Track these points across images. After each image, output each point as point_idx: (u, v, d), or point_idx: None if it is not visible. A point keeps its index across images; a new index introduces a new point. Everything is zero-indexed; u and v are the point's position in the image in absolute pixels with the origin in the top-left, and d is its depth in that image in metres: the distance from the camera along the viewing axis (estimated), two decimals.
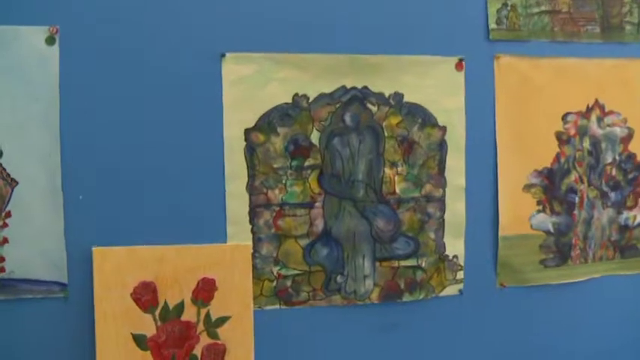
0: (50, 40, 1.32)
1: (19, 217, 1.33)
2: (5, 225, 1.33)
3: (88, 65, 1.33)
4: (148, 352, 1.36)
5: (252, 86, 1.38)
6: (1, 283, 1.34)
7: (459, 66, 1.47)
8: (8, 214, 1.32)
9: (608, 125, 1.58)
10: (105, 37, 1.33)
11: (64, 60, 1.32)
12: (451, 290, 1.50)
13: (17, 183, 1.33)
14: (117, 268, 1.35)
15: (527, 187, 1.53)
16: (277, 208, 1.41)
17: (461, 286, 1.51)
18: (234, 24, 1.38)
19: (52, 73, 1.32)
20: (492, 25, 1.50)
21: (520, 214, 1.53)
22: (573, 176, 1.56)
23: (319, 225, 1.43)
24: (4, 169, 1.32)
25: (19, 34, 1.31)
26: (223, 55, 1.37)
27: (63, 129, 1.32)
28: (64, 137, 1.33)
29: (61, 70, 1.32)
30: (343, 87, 1.42)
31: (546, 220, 1.55)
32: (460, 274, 1.50)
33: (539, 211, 1.54)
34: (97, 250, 1.34)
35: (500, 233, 1.52)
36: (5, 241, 1.33)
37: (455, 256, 1.50)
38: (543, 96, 1.53)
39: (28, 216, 1.33)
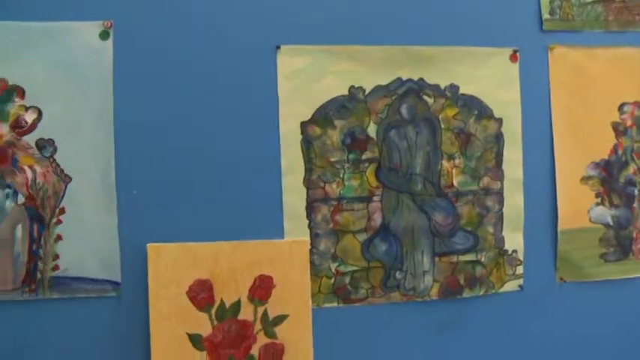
0: (104, 35, 1.31)
1: (72, 213, 1.31)
2: (59, 222, 1.30)
3: (142, 60, 1.32)
4: (205, 353, 1.32)
5: (308, 79, 1.37)
6: (55, 281, 1.31)
7: (513, 57, 1.44)
8: (62, 211, 1.30)
9: None
10: (159, 31, 1.32)
11: (118, 55, 1.30)
12: (511, 286, 1.46)
13: (71, 179, 1.30)
14: (172, 265, 1.31)
15: (585, 179, 1.49)
16: (335, 203, 1.38)
17: (520, 281, 1.46)
18: (289, 16, 1.37)
19: (105, 68, 1.31)
20: (546, 16, 1.48)
21: (578, 206, 1.49)
22: (632, 168, 1.53)
23: (377, 219, 1.40)
24: (58, 165, 1.30)
25: (73, 30, 1.30)
26: (278, 48, 1.35)
27: (117, 124, 1.30)
28: (117, 133, 1.31)
29: (115, 65, 1.30)
30: (399, 79, 1.40)
31: (605, 213, 1.51)
32: (519, 269, 1.46)
33: (597, 204, 1.50)
34: (151, 247, 1.31)
35: (559, 227, 1.48)
36: (59, 238, 1.30)
37: (514, 251, 1.45)
38: (598, 86, 1.50)
39: (81, 212, 1.31)
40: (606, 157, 1.52)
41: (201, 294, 1.32)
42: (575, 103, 1.50)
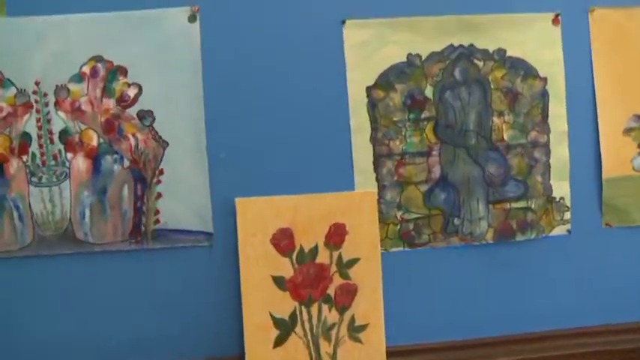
0: (192, 19, 1.49)
1: (170, 174, 1.49)
2: (159, 182, 1.49)
3: (225, 38, 1.49)
4: (287, 293, 1.48)
5: (371, 49, 1.51)
6: (157, 233, 1.49)
7: (555, 21, 1.55)
8: (161, 172, 1.48)
9: None
10: (239, 12, 1.48)
11: (205, 34, 1.47)
12: (559, 230, 1.57)
13: (168, 144, 1.48)
14: (257, 216, 1.48)
15: (628, 131, 1.59)
16: (398, 158, 1.52)
17: (568, 226, 1.57)
18: None
19: (194, 46, 1.48)
20: None
21: (622, 156, 1.58)
22: None
23: (437, 172, 1.53)
24: (157, 132, 1.48)
25: (166, 15, 1.48)
26: (344, 22, 1.50)
27: (206, 95, 1.47)
28: (207, 102, 1.47)
29: (203, 44, 1.47)
30: (451, 45, 1.53)
31: None
32: (567, 215, 1.57)
33: None
34: (239, 201, 1.48)
35: (604, 175, 1.58)
36: (159, 195, 1.49)
37: (562, 198, 1.57)
38: (638, 44, 1.58)
39: (177, 173, 1.49)
40: None
41: (283, 241, 1.49)
42: (616, 60, 1.59)
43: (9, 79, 1.46)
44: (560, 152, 1.56)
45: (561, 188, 1.56)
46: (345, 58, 1.50)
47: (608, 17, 1.58)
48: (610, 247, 1.60)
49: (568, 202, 1.57)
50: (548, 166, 1.56)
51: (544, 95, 1.56)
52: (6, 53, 1.46)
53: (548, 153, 1.56)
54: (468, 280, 1.56)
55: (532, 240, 1.57)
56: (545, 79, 1.55)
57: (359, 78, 1.51)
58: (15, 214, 1.48)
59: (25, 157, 1.46)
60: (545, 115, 1.56)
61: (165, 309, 1.49)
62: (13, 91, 1.46)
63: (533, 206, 1.56)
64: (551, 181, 1.56)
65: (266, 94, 1.49)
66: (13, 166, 1.47)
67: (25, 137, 1.47)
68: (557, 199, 1.57)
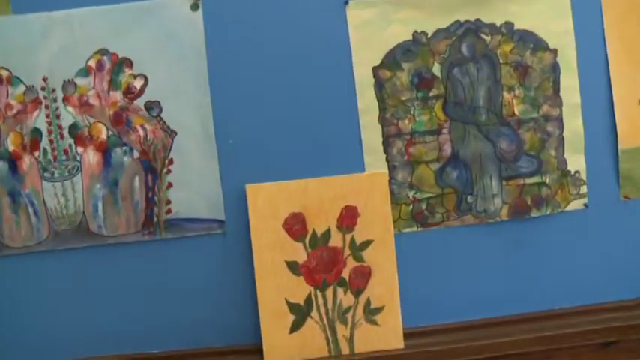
0: (194, 7, 1.47)
1: (179, 163, 1.48)
2: (169, 172, 1.48)
3: (229, 24, 1.46)
4: (301, 277, 1.47)
5: (376, 28, 1.47)
6: (169, 223, 1.49)
7: None
8: (171, 162, 1.48)
9: None
10: None
11: (208, 22, 1.46)
12: (576, 205, 1.53)
13: (176, 134, 1.48)
14: (268, 202, 1.46)
15: None
16: (408, 137, 1.49)
17: (585, 200, 1.53)
18: None
19: (198, 34, 1.46)
20: None
21: (637, 126, 1.53)
22: None
23: (447, 150, 1.50)
24: (165, 122, 1.48)
25: (168, 4, 1.46)
26: (347, 3, 1.47)
27: (212, 83, 1.46)
28: (213, 90, 1.46)
29: (206, 32, 1.46)
30: (457, 21, 1.48)
31: None
32: (583, 189, 1.53)
33: None
34: (250, 187, 1.46)
35: (620, 146, 1.53)
36: (170, 185, 1.48)
37: (577, 172, 1.52)
38: None
39: (187, 162, 1.48)
40: None
41: (295, 226, 1.47)
42: (629, 28, 1.53)
43: (17, 77, 1.46)
44: (573, 125, 1.51)
45: (576, 162, 1.52)
46: (350, 39, 1.47)
47: None
48: (629, 220, 1.55)
49: (584, 176, 1.52)
50: (561, 140, 1.51)
51: (555, 68, 1.51)
52: (13, 51, 1.46)
53: (561, 126, 1.51)
54: (483, 258, 1.53)
55: (548, 216, 1.53)
56: (555, 51, 1.50)
57: (365, 58, 1.48)
58: (30, 210, 1.49)
59: (36, 153, 1.47)
60: (556, 88, 1.51)
61: (180, 298, 1.48)
62: (22, 88, 1.46)
63: (547, 181, 1.52)
64: (566, 155, 1.52)
65: (271, 78, 1.47)
66: (26, 162, 1.48)
67: (36, 133, 1.47)
68: (573, 173, 1.52)
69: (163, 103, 1.47)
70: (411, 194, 1.51)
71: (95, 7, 1.45)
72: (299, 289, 1.47)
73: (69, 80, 1.46)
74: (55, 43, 1.46)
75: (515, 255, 1.54)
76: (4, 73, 1.47)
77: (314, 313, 1.48)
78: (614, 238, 1.56)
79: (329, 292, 1.48)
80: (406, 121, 1.50)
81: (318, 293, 1.48)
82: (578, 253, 1.55)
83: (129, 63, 1.46)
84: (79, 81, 1.46)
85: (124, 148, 1.48)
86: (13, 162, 1.48)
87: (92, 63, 1.46)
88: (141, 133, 1.47)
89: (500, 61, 1.50)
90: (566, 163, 1.53)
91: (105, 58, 1.47)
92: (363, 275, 1.48)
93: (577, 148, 1.53)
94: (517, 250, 1.54)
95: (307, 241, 1.47)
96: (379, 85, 1.49)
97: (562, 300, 1.55)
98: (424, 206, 1.52)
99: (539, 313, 1.55)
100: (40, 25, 1.45)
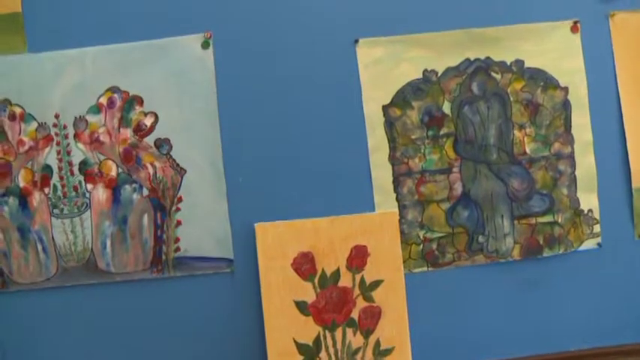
0: (205, 45, 1.47)
1: (189, 201, 1.47)
2: (178, 209, 1.47)
3: (240, 62, 1.46)
4: (310, 317, 1.44)
5: (386, 67, 1.47)
6: (177, 261, 1.47)
7: (574, 28, 1.49)
8: (180, 199, 1.47)
9: None
10: (252, 36, 1.46)
11: (219, 60, 1.46)
12: (589, 244, 1.50)
13: (185, 171, 1.47)
14: (277, 241, 1.44)
15: None
16: (418, 176, 1.48)
17: (599, 239, 1.50)
18: (364, 13, 1.47)
19: (209, 73, 1.47)
20: None
21: None
22: None
23: (458, 188, 1.48)
24: (174, 160, 1.47)
25: (179, 43, 1.47)
26: (357, 41, 1.47)
27: (222, 121, 1.46)
28: (223, 128, 1.46)
29: (217, 69, 1.46)
30: (467, 59, 1.48)
31: None
32: (597, 228, 1.50)
33: None
34: (259, 226, 1.44)
35: (634, 185, 1.50)
36: (179, 223, 1.47)
37: (590, 210, 1.49)
38: None
39: (196, 200, 1.47)
40: None
41: (304, 265, 1.45)
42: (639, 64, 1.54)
43: (30, 114, 1.47)
44: (586, 163, 1.49)
45: (589, 200, 1.49)
46: (360, 78, 1.47)
47: (630, 21, 1.51)
48: None
49: (597, 215, 1.50)
50: (574, 178, 1.49)
51: (566, 105, 1.49)
52: (27, 88, 1.47)
53: (573, 164, 1.49)
54: (495, 299, 1.49)
55: (561, 255, 1.49)
56: (566, 89, 1.49)
57: (375, 97, 1.47)
58: (39, 247, 1.48)
59: (46, 190, 1.47)
60: (568, 125, 1.49)
61: (188, 337, 1.46)
62: (34, 124, 1.47)
63: (560, 220, 1.49)
64: (578, 194, 1.49)
65: (282, 116, 1.47)
66: (36, 198, 1.48)
67: (47, 170, 1.47)
68: (586, 212, 1.50)
69: (173, 140, 1.46)
70: (421, 234, 1.49)
71: (107, 45, 1.46)
72: (308, 330, 1.44)
73: (80, 117, 1.47)
74: (67, 81, 1.47)
75: (528, 295, 1.50)
76: (18, 110, 1.48)
77: (323, 354, 1.44)
78: (629, 278, 1.53)
79: (338, 332, 1.45)
80: (416, 160, 1.48)
81: (327, 334, 1.44)
82: (593, 293, 1.52)
83: (139, 100, 1.46)
84: (90, 118, 1.47)
85: (134, 185, 1.47)
86: (24, 198, 1.47)
87: (103, 100, 1.47)
88: (150, 170, 1.46)
89: (511, 99, 1.49)
90: (578, 201, 1.50)
91: (116, 95, 1.47)
92: (373, 316, 1.45)
93: (590, 186, 1.50)
94: (529, 290, 1.50)
95: (316, 280, 1.44)
96: (389, 124, 1.48)
97: (577, 342, 1.51)
98: (435, 246, 1.49)
99: (553, 355, 1.50)
100: (54, 64, 1.47)
